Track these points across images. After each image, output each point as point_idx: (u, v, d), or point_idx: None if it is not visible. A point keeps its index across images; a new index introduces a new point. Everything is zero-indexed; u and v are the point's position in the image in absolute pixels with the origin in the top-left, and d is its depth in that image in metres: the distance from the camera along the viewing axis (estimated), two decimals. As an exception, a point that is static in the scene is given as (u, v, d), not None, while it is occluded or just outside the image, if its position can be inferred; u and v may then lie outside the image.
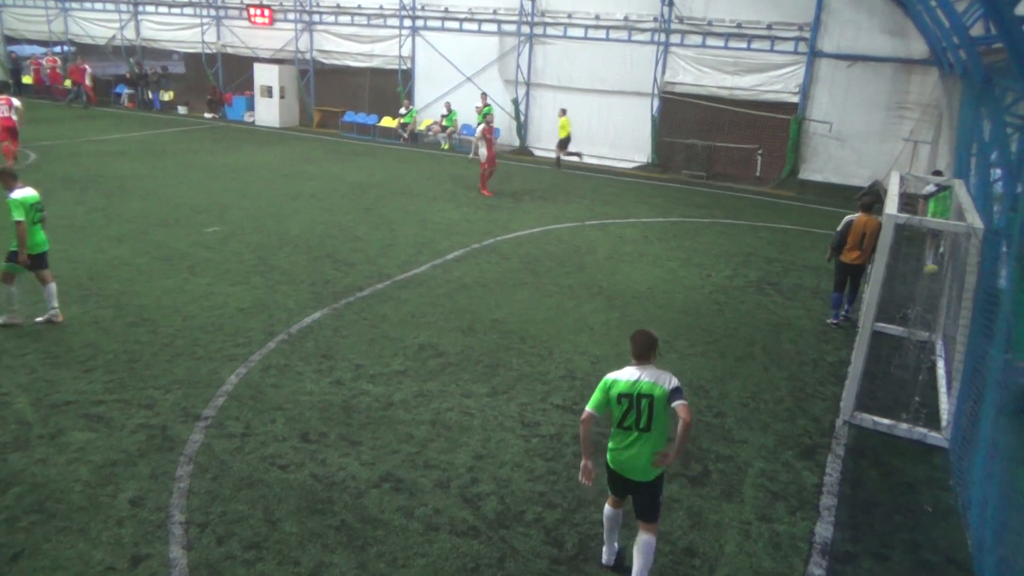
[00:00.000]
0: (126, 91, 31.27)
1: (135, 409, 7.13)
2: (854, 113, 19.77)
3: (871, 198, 10.37)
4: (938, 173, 13.26)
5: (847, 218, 10.05)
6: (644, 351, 5.08)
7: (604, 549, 5.43)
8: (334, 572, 5.13)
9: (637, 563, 5.06)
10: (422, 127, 25.85)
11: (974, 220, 7.15)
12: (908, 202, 10.88)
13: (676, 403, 4.84)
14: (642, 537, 5.07)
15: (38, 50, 34.55)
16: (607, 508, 5.33)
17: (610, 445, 5.12)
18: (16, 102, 18.26)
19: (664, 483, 5.23)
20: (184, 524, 5.53)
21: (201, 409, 7.20)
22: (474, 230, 14.41)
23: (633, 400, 4.94)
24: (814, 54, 19.93)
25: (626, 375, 5.06)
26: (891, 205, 7.82)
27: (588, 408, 5.02)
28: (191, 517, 5.62)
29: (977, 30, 11.32)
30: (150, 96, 30.99)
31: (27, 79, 32.60)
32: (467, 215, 15.64)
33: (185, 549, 5.27)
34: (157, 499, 5.81)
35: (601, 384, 5.08)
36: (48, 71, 32.20)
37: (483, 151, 17.77)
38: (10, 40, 34.62)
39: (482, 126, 17.91)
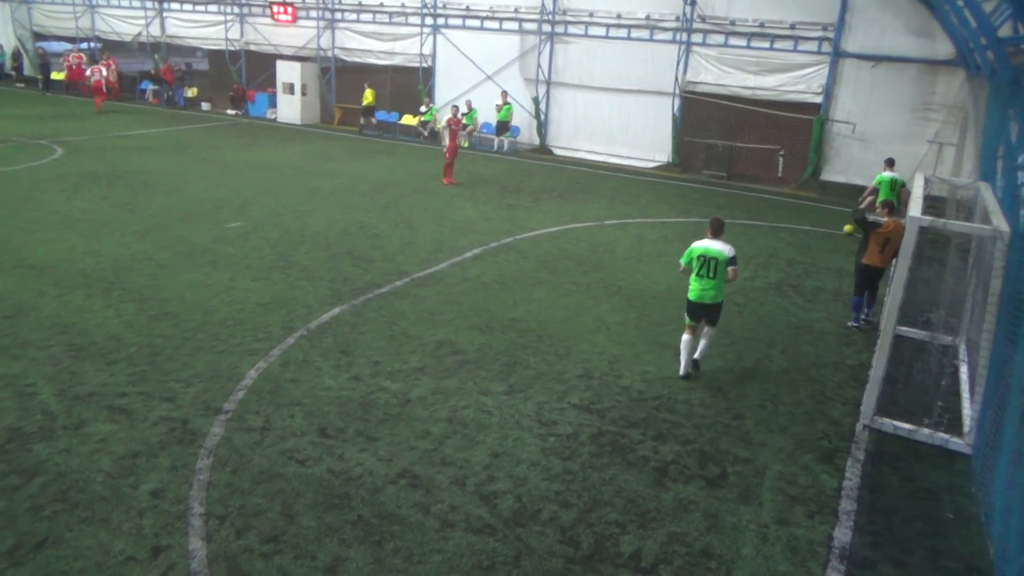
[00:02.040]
0: (151, 87, 31.62)
1: (157, 402, 7.22)
2: (878, 114, 19.55)
3: (888, 202, 10.26)
4: (891, 161, 15.33)
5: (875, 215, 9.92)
6: (716, 230, 8.32)
7: (682, 364, 8.46)
8: (350, 567, 5.17)
9: (702, 345, 8.59)
10: (442, 125, 25.88)
11: (1000, 223, 7.05)
12: (932, 204, 10.80)
13: (729, 267, 8.18)
14: (707, 330, 8.61)
15: (66, 46, 35.03)
16: (684, 336, 8.44)
17: (691, 287, 8.38)
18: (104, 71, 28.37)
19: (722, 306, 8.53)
20: (204, 516, 5.60)
21: (221, 403, 7.27)
22: (492, 228, 14.43)
23: (706, 259, 8.21)
24: (838, 54, 19.74)
25: (703, 244, 8.29)
26: (915, 207, 7.73)
27: (681, 263, 8.45)
28: (210, 509, 5.68)
29: (1005, 31, 11.16)
30: (173, 92, 31.32)
31: (56, 75, 33.03)
32: (485, 213, 15.66)
33: (204, 541, 5.33)
34: (177, 491, 5.88)
35: (688, 250, 8.35)
36: (74, 67, 32.58)
37: (446, 141, 18.39)
38: (39, 36, 35.14)
39: (448, 117, 18.59)
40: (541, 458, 6.66)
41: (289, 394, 7.52)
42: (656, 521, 5.88)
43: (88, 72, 28.31)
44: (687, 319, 8.42)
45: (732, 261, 8.14)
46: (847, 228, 15.19)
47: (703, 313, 8.38)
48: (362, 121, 26.57)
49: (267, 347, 8.56)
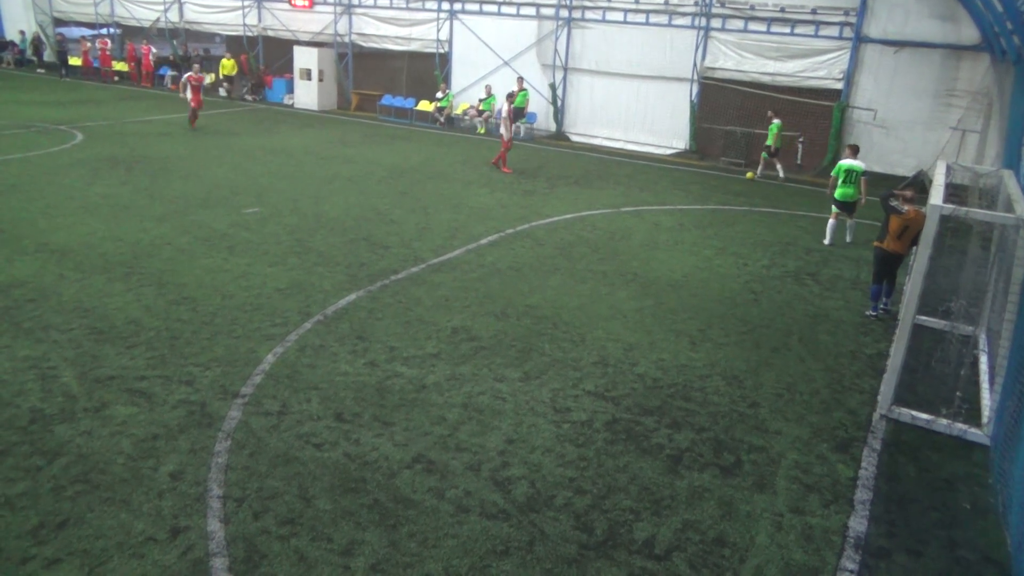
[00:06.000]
0: (170, 73, 31.78)
1: (176, 385, 7.31)
2: (900, 100, 19.28)
3: (913, 189, 10.12)
4: (776, 111, 19.38)
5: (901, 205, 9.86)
6: (855, 152, 13.13)
7: (828, 238, 13.62)
8: (366, 550, 5.22)
9: (849, 231, 13.62)
10: (459, 111, 25.86)
11: (1023, 211, 6.95)
12: (954, 192, 10.68)
13: (862, 177, 12.93)
14: (849, 221, 13.48)
15: (86, 32, 35.25)
16: (831, 221, 13.57)
17: (837, 190, 13.06)
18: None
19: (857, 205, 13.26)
20: (222, 498, 5.67)
21: (239, 387, 7.35)
22: (508, 215, 14.42)
23: (851, 172, 12.92)
24: (860, 39, 19.46)
25: (847, 161, 13.00)
26: (936, 195, 7.63)
27: (832, 175, 13.18)
28: (228, 492, 5.76)
29: (1032, 15, 10.92)
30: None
31: (74, 60, 33.29)
32: (502, 200, 15.64)
33: (222, 523, 5.41)
34: (196, 473, 5.96)
35: (837, 165, 13.13)
36: (99, 53, 32.82)
37: (504, 130, 18.64)
38: (59, 22, 35.40)
39: (506, 106, 18.81)
40: (555, 444, 6.68)
41: (306, 379, 7.58)
42: (670, 508, 5.89)
43: (184, 81, 22.44)
44: (833, 209, 13.38)
45: (865, 173, 13.06)
46: (748, 175, 19.68)
47: (846, 207, 13.22)
48: (226, 86, 29.06)
49: (284, 332, 8.63)
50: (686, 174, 19.97)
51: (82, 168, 16.02)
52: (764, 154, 19.45)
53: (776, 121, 19.08)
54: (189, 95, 21.80)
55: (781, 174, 19.68)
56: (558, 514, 5.73)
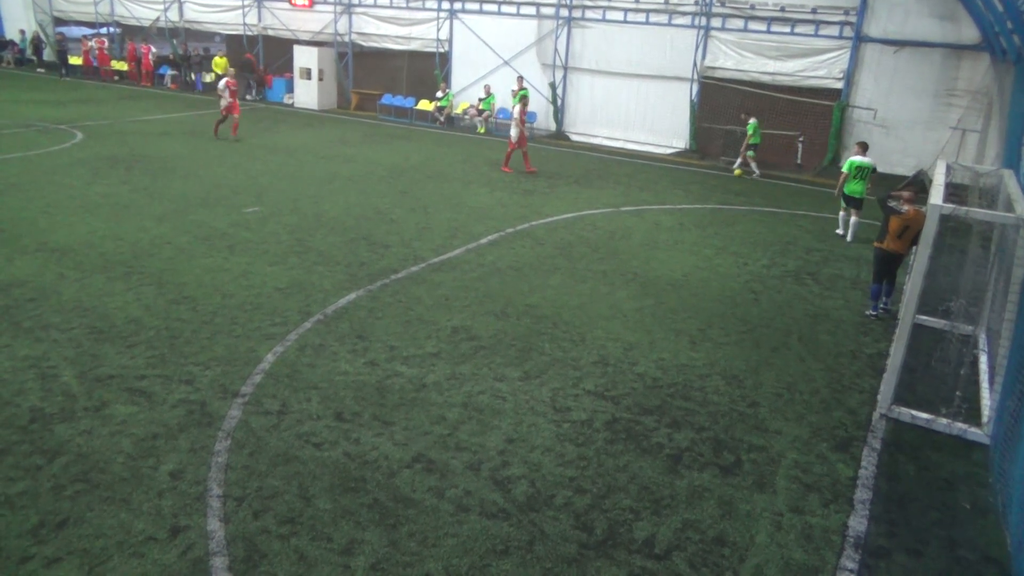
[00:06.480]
0: (170, 72, 31.78)
1: (176, 384, 7.31)
2: (900, 100, 19.28)
3: (913, 189, 10.12)
4: (748, 114, 19.88)
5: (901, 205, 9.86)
6: (864, 149, 13.47)
7: (841, 227, 14.21)
8: (366, 549, 5.23)
9: (851, 229, 13.81)
10: (459, 110, 25.85)
11: (1023, 211, 6.94)
12: (954, 192, 10.69)
13: (872, 174, 13.37)
14: (853, 219, 13.76)
15: (87, 31, 35.23)
16: (841, 213, 14.15)
17: (847, 186, 13.44)
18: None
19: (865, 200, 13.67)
20: (222, 498, 5.67)
21: (239, 386, 7.35)
22: (508, 214, 14.41)
23: (862, 168, 13.27)
24: (860, 39, 19.46)
25: (857, 158, 13.34)
26: (936, 195, 7.63)
27: (844, 170, 13.48)
28: (228, 491, 5.76)
29: (1033, 15, 10.92)
30: (193, 77, 31.45)
31: (75, 60, 33.29)
32: (502, 199, 15.64)
33: (223, 522, 5.41)
34: (196, 472, 5.96)
35: (848, 161, 13.46)
36: (96, 52, 32.80)
37: (514, 131, 18.44)
38: (59, 22, 35.37)
39: (518, 107, 18.50)
40: (555, 444, 6.68)
41: (306, 378, 7.58)
42: (670, 508, 5.89)
43: (222, 88, 20.55)
44: (842, 204, 13.95)
45: (874, 170, 13.52)
46: (736, 172, 20.04)
47: (854, 203, 13.68)
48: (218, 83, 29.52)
49: (284, 331, 8.63)
50: (686, 173, 19.97)
51: (82, 167, 16.02)
52: (751, 152, 19.83)
53: (752, 121, 19.51)
54: (225, 102, 20.26)
55: (737, 163, 20.44)
56: (558, 513, 5.73)
